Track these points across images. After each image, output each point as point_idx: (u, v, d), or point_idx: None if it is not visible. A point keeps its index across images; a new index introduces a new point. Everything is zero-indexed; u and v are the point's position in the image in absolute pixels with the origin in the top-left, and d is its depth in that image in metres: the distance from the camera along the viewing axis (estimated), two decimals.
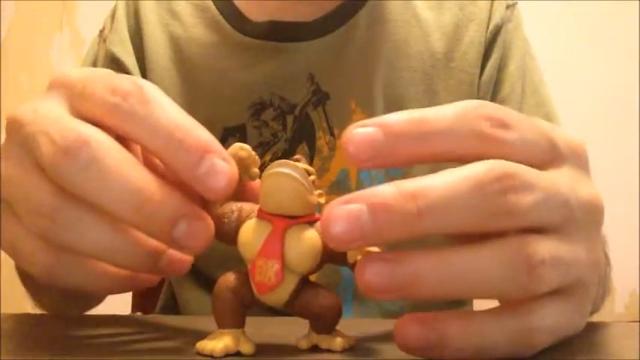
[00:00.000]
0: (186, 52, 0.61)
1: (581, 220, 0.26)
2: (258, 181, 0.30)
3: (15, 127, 0.28)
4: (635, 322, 0.39)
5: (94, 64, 0.64)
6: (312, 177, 0.28)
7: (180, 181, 0.27)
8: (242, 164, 0.29)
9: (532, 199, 0.24)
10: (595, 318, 0.39)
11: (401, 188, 0.23)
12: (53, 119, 0.27)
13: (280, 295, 0.27)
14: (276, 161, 0.27)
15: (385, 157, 0.24)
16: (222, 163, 0.26)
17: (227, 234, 0.29)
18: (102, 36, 0.65)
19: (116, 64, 0.61)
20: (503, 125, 0.25)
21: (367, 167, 0.25)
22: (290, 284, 0.27)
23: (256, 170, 0.30)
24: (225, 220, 0.29)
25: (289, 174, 0.26)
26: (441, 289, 0.23)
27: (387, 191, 0.23)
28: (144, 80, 0.28)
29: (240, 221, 0.29)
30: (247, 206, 0.29)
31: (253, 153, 0.30)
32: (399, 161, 0.24)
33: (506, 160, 0.25)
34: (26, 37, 1.81)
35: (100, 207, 0.26)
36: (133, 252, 0.28)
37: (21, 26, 1.82)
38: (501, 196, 0.23)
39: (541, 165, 0.26)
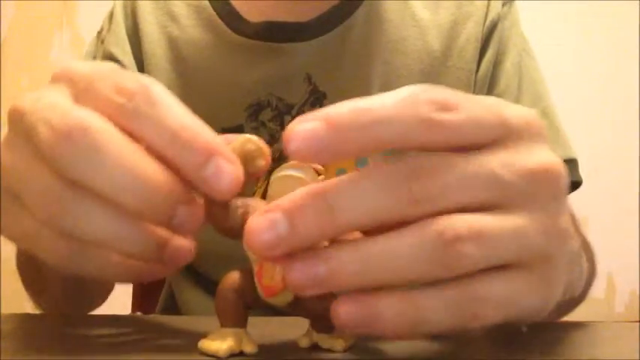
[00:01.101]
0: (184, 52, 0.61)
1: (529, 191, 0.25)
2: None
3: (16, 117, 0.28)
4: (635, 322, 0.39)
5: None
6: (322, 176, 0.28)
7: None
8: (249, 156, 0.29)
9: (451, 178, 0.24)
10: (595, 318, 0.39)
11: (311, 189, 0.24)
12: (54, 107, 0.27)
13: (286, 297, 0.28)
14: (285, 163, 0.27)
15: (330, 151, 0.24)
16: (227, 164, 0.26)
17: (232, 229, 0.28)
18: (100, 37, 0.65)
19: (114, 64, 0.61)
20: (448, 107, 0.25)
21: (313, 162, 0.25)
22: None
23: (262, 162, 0.29)
24: (231, 215, 0.29)
25: (299, 177, 0.27)
26: (361, 279, 0.24)
27: (297, 194, 0.24)
28: (150, 79, 0.28)
29: (245, 217, 0.28)
30: (253, 202, 0.29)
31: (262, 145, 0.29)
32: (345, 153, 0.24)
33: (453, 141, 0.25)
34: (26, 37, 1.81)
35: (99, 193, 0.26)
36: (139, 240, 0.27)
37: (21, 26, 1.82)
38: (410, 184, 0.24)
39: (490, 142, 0.26)
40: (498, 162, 0.25)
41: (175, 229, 0.27)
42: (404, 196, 0.24)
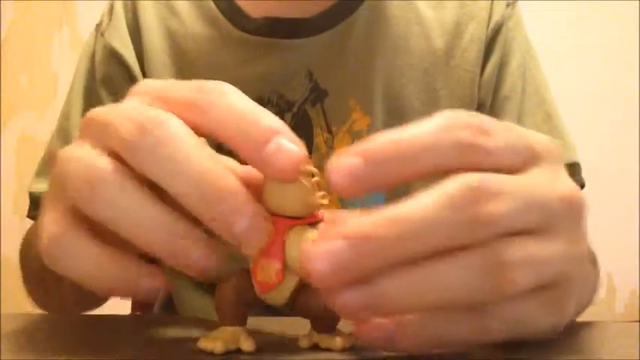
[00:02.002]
0: (184, 47, 0.61)
1: (560, 216, 0.26)
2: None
3: (90, 122, 0.29)
4: (635, 322, 0.39)
5: (92, 58, 0.64)
6: (317, 178, 0.28)
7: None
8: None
9: (505, 206, 0.25)
10: (595, 318, 0.39)
11: (377, 217, 0.24)
12: (131, 107, 0.28)
13: (281, 294, 0.28)
14: None
15: (369, 184, 0.25)
16: (288, 143, 0.26)
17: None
18: (99, 30, 0.64)
19: (115, 58, 0.61)
20: (483, 132, 0.25)
21: (354, 196, 0.25)
22: (291, 283, 0.27)
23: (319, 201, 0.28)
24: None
25: None
26: (414, 304, 0.24)
27: (364, 222, 0.24)
28: (221, 82, 0.29)
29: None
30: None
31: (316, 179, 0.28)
32: (384, 185, 0.25)
33: (490, 165, 0.25)
34: (26, 37, 1.81)
35: (166, 189, 0.26)
36: (166, 231, 0.26)
37: (21, 26, 1.82)
38: (474, 208, 0.24)
39: (521, 167, 0.27)
40: (544, 186, 0.26)
41: (235, 240, 0.26)
42: (475, 219, 0.24)
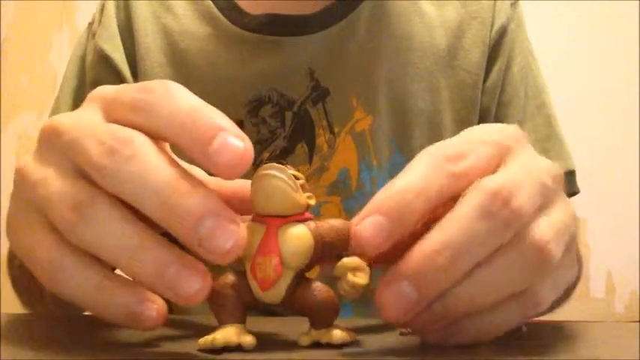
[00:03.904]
0: (181, 45, 0.59)
1: (554, 188, 0.30)
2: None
3: (54, 134, 0.29)
4: (635, 322, 0.39)
5: (83, 59, 0.63)
6: (301, 181, 0.29)
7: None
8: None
9: (525, 194, 0.28)
10: (595, 318, 0.39)
11: (425, 249, 0.27)
12: (96, 124, 0.28)
13: (278, 291, 0.28)
14: (263, 165, 0.28)
15: (395, 236, 0.27)
16: (234, 139, 0.26)
17: None
18: (91, 29, 0.63)
19: (105, 61, 0.60)
20: (459, 158, 0.29)
21: (382, 249, 0.27)
22: (286, 279, 0.28)
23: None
24: None
25: (274, 174, 0.27)
26: (470, 309, 0.28)
27: (418, 257, 0.27)
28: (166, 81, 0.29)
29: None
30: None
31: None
32: (408, 228, 0.28)
33: (474, 177, 0.28)
34: (26, 37, 1.81)
35: (138, 208, 0.26)
36: (149, 258, 0.26)
37: (21, 26, 1.82)
38: (504, 209, 0.27)
39: (500, 161, 0.29)
40: (535, 168, 0.30)
41: (202, 246, 0.25)
42: (510, 217, 0.27)
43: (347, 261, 0.28)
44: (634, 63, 1.72)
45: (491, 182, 0.27)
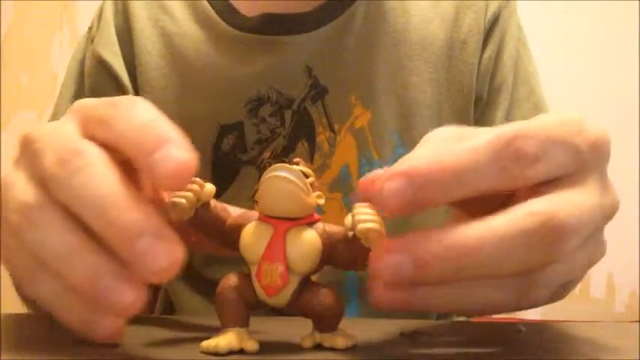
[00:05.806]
0: (179, 47, 0.60)
1: (592, 162, 0.29)
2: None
3: (26, 142, 0.30)
4: (635, 322, 0.39)
5: (82, 64, 0.63)
6: (311, 179, 0.28)
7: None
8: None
9: (578, 237, 0.27)
10: (595, 318, 0.39)
11: (464, 244, 0.26)
12: (62, 135, 0.29)
13: (284, 295, 0.28)
14: (273, 165, 0.27)
15: (416, 206, 0.27)
16: (176, 150, 0.26)
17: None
18: (90, 34, 0.63)
19: (103, 67, 0.60)
20: (534, 161, 0.27)
21: (401, 214, 0.27)
22: (292, 284, 0.28)
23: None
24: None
25: (285, 177, 0.27)
26: (482, 269, 0.27)
27: (462, 243, 0.26)
28: (134, 97, 0.30)
29: (235, 223, 0.29)
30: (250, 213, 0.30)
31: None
32: (431, 205, 0.27)
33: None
34: (26, 37, 1.81)
35: (78, 214, 0.27)
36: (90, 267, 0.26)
37: (21, 26, 1.82)
38: (553, 246, 0.26)
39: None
40: (575, 131, 0.28)
41: (139, 264, 0.25)
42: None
43: (360, 211, 0.27)
44: (634, 63, 1.72)
45: (548, 208, 0.26)
